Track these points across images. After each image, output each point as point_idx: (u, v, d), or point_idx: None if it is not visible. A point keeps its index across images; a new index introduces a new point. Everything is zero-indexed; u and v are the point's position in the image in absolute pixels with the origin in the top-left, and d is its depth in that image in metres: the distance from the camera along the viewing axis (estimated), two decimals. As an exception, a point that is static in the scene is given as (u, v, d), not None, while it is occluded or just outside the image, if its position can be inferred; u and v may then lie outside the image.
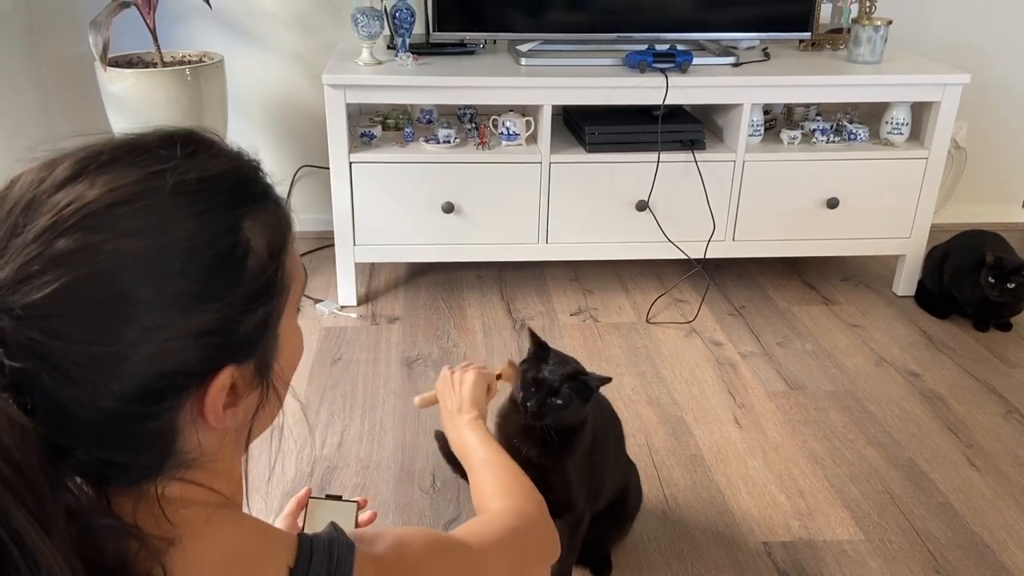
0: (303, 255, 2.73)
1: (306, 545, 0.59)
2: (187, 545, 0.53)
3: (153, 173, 0.52)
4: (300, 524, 1.04)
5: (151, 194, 0.51)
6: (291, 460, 1.76)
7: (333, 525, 0.62)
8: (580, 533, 1.41)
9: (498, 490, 0.97)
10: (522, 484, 0.99)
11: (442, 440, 1.71)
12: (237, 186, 0.55)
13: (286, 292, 0.58)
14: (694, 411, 1.99)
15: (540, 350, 1.32)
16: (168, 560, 0.52)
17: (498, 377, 1.30)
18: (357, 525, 1.06)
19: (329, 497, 1.08)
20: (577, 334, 2.32)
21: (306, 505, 1.05)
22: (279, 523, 1.05)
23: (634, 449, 1.81)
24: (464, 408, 1.14)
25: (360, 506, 1.07)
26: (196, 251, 0.51)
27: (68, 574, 0.47)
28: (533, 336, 1.34)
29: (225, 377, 0.54)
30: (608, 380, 1.30)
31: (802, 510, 1.67)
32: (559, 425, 1.29)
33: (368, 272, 2.63)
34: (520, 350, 2.24)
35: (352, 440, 1.85)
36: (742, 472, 1.78)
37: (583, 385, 1.28)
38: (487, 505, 0.96)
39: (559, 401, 1.26)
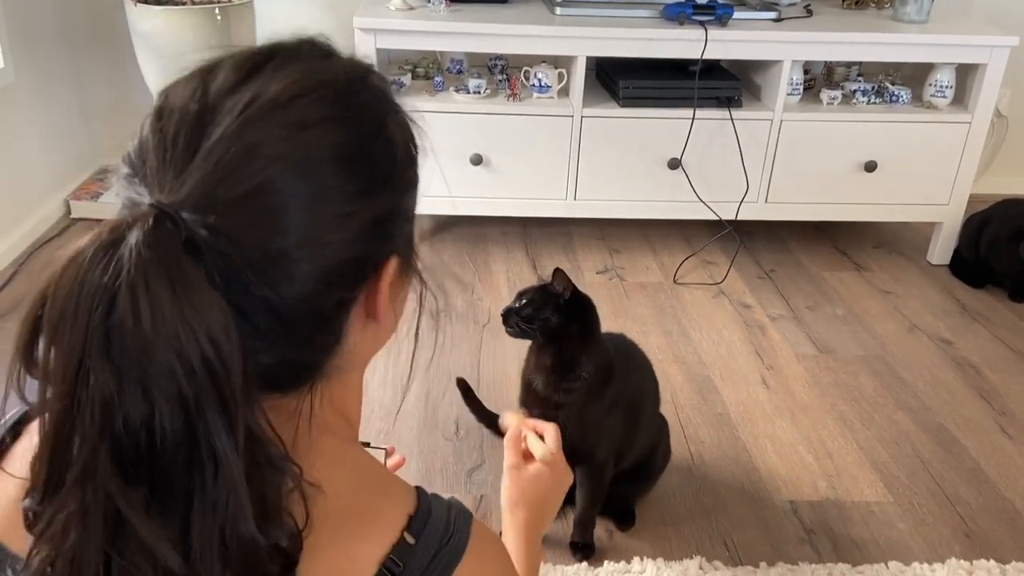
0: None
1: (425, 498, 0.59)
2: (323, 478, 0.53)
3: (318, 69, 0.54)
4: None
5: (325, 87, 0.52)
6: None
7: (452, 498, 0.61)
8: (602, 486, 1.39)
9: None
10: None
11: (464, 388, 1.70)
12: (377, 85, 0.57)
13: (417, 189, 0.60)
14: (721, 371, 1.96)
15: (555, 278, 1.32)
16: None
17: None
18: None
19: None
20: (603, 292, 2.29)
21: None
22: None
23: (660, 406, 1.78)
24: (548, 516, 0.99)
25: (388, 453, 1.05)
26: (369, 140, 0.53)
27: (244, 498, 0.47)
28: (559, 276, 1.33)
29: (393, 265, 0.56)
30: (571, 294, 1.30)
31: (830, 471, 1.65)
32: (571, 367, 1.30)
33: (393, 224, 2.61)
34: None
35: (376, 387, 1.84)
36: (769, 432, 1.76)
37: (551, 298, 1.30)
38: None
39: (528, 311, 1.30)
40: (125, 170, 0.51)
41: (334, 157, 0.51)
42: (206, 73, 0.52)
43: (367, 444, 1.08)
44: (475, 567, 0.57)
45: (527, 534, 0.92)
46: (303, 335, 0.52)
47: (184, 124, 0.50)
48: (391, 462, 1.07)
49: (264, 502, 0.48)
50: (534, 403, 1.34)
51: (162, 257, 0.45)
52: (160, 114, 0.52)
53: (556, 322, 1.29)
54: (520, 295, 1.33)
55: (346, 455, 0.59)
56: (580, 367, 1.31)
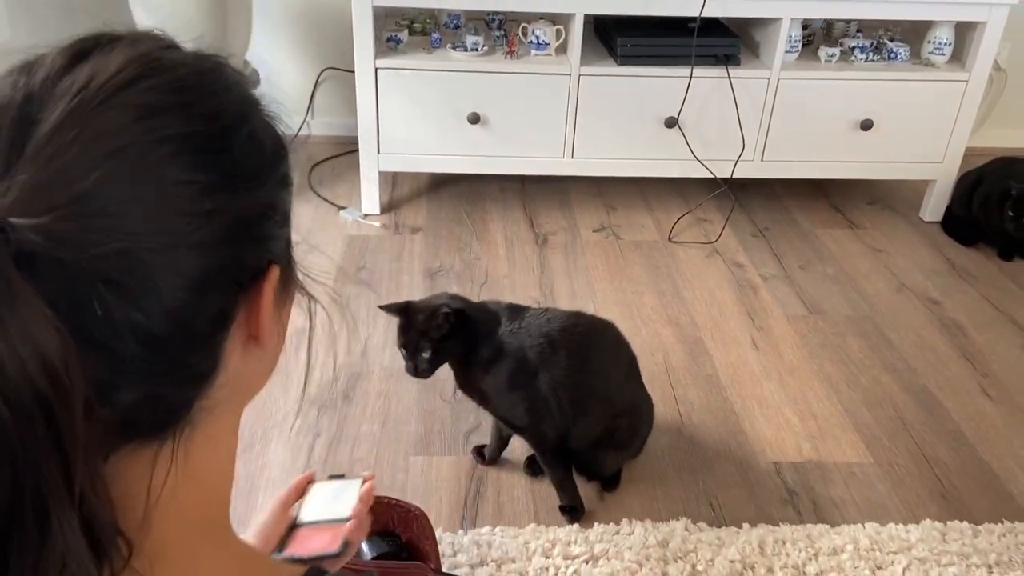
0: (326, 160, 2.72)
1: None
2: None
3: (162, 53, 0.47)
4: (293, 514, 0.91)
5: (172, 70, 0.46)
6: (316, 365, 1.81)
7: None
8: (542, 451, 1.47)
9: None
10: None
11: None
12: (233, 76, 0.51)
13: (290, 191, 0.54)
14: (712, 332, 2.01)
15: (399, 315, 1.38)
16: None
17: None
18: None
19: (332, 478, 0.97)
20: (599, 251, 2.33)
21: (304, 492, 0.94)
22: (269, 512, 0.93)
23: (651, 368, 1.84)
24: None
25: (365, 480, 0.96)
26: (229, 131, 0.47)
27: (86, 557, 0.39)
28: (386, 309, 1.40)
29: (274, 275, 0.50)
30: (450, 311, 1.35)
31: (814, 432, 1.71)
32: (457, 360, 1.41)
33: (391, 181, 2.63)
34: (542, 264, 2.25)
35: (376, 348, 1.89)
36: (757, 394, 1.81)
37: (437, 330, 1.35)
38: None
39: (426, 355, 1.35)
40: None
41: (188, 148, 0.44)
42: (27, 64, 0.46)
43: (341, 476, 0.98)
44: None
45: None
46: (175, 360, 0.45)
47: (6, 117, 0.43)
48: (363, 489, 0.95)
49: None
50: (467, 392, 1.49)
51: None
52: None
53: (440, 351, 1.37)
54: (402, 346, 1.39)
55: (202, 552, 0.49)
56: (492, 365, 1.40)
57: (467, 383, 1.45)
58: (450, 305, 1.36)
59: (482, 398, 1.46)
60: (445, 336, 1.35)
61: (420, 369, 1.37)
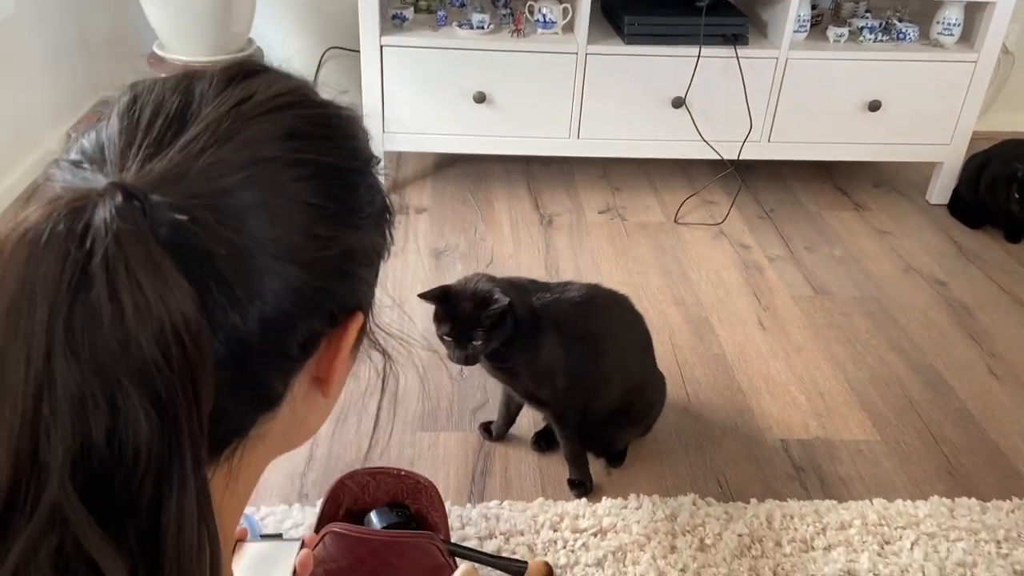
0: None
1: None
2: None
3: (313, 93, 0.51)
4: None
5: (321, 108, 0.50)
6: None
7: None
8: (563, 424, 1.46)
9: None
10: None
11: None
12: (366, 134, 0.54)
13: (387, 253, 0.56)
14: (719, 312, 2.00)
15: (441, 302, 1.31)
16: None
17: None
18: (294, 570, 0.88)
19: (265, 537, 0.91)
20: (604, 232, 2.32)
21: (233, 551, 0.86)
22: None
23: (657, 347, 1.81)
24: None
25: (303, 544, 0.90)
26: (358, 175, 0.51)
27: (208, 510, 0.41)
28: (426, 297, 1.32)
29: (359, 320, 0.52)
30: (506, 303, 1.28)
31: (821, 410, 1.71)
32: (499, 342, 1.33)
33: (396, 161, 2.62)
34: (547, 245, 2.25)
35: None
36: (764, 372, 1.81)
37: (491, 317, 1.29)
38: None
39: (479, 343, 1.29)
40: (72, 156, 0.44)
41: (322, 175, 0.47)
42: (189, 73, 0.49)
43: (277, 535, 0.95)
44: None
45: None
46: (254, 375, 0.46)
47: (163, 112, 0.45)
48: (298, 559, 0.89)
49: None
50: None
51: (139, 235, 0.39)
52: (132, 102, 0.46)
53: (491, 337, 1.30)
54: (447, 335, 1.31)
55: None
56: (530, 340, 1.36)
57: (497, 362, 1.38)
58: (501, 291, 1.31)
59: (512, 375, 1.42)
60: (496, 322, 1.30)
61: (471, 356, 1.31)
